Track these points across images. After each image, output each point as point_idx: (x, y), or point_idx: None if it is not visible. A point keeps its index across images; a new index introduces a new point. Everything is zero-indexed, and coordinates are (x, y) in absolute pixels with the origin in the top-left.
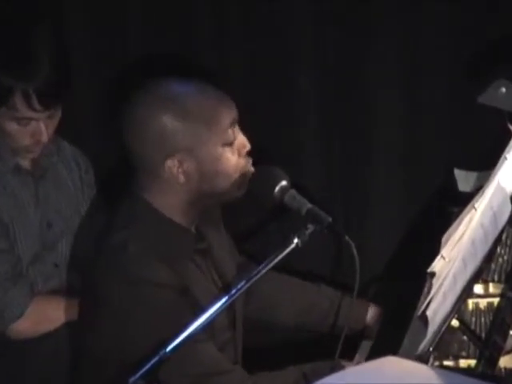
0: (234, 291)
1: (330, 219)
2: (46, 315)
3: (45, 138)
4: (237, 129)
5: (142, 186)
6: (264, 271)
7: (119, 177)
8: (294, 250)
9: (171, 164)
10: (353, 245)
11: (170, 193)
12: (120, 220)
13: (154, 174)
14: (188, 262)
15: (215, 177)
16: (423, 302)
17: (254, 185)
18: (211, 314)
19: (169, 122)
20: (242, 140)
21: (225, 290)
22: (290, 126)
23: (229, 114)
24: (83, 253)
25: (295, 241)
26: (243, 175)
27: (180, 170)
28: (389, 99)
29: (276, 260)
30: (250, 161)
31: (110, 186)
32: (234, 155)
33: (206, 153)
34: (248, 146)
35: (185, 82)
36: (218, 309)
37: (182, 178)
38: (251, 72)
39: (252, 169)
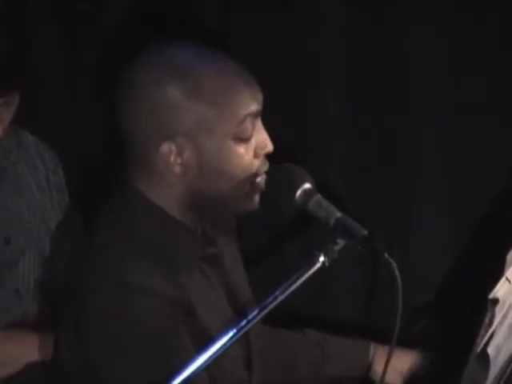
0: (244, 323)
1: (366, 232)
2: (5, 355)
3: None
4: (258, 123)
5: (134, 173)
6: (282, 298)
7: (99, 179)
8: (319, 270)
9: (167, 149)
10: (394, 265)
11: (164, 185)
12: (109, 214)
13: (145, 159)
14: (193, 270)
15: (217, 176)
16: (483, 336)
17: (270, 188)
18: (217, 350)
19: (172, 94)
20: (262, 138)
21: (237, 313)
22: (314, 123)
23: (250, 101)
24: (52, 277)
25: (321, 259)
26: (253, 182)
27: (178, 160)
28: (434, 87)
29: (297, 283)
30: (267, 166)
31: (86, 189)
32: (248, 154)
33: (212, 143)
34: (269, 147)
35: (201, 49)
36: (225, 344)
37: (177, 170)
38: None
39: (264, 176)
